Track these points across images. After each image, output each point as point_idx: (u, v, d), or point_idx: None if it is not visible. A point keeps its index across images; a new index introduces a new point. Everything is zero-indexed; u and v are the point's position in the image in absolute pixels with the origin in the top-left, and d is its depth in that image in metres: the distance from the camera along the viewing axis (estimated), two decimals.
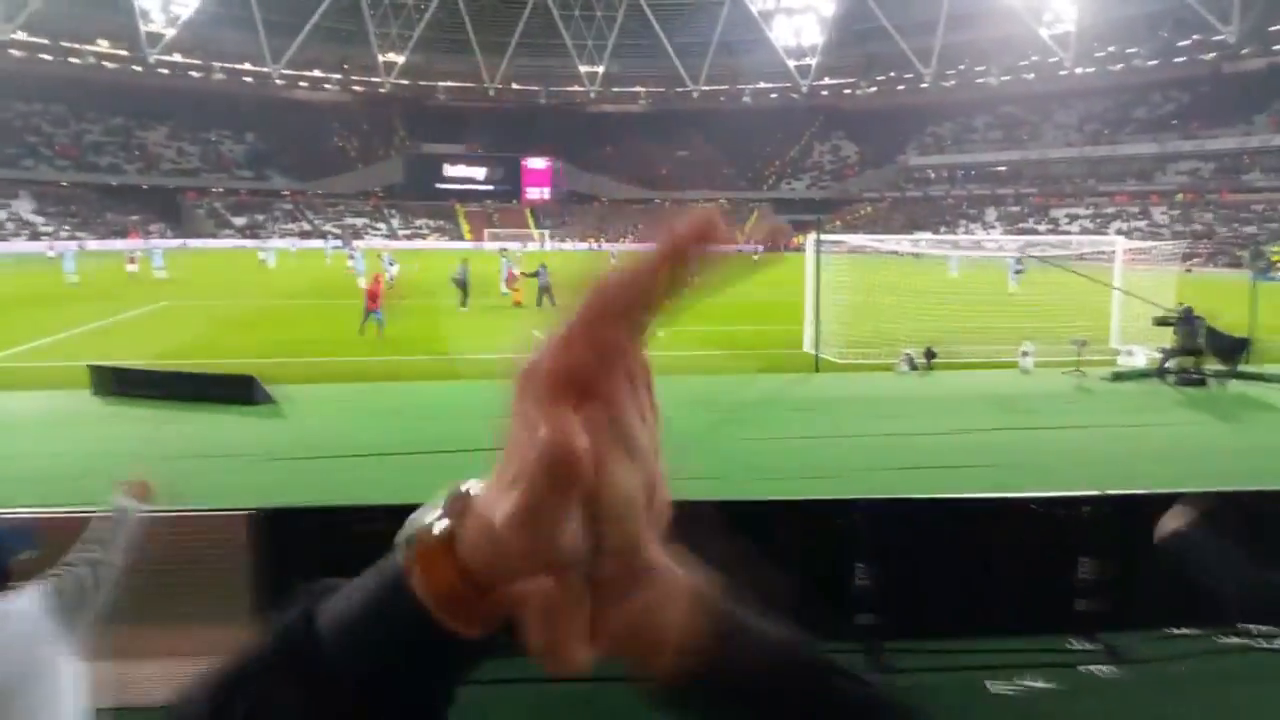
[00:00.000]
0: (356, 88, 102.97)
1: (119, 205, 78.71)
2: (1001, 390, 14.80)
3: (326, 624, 0.57)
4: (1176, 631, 6.35)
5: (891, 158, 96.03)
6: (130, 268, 35.46)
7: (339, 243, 75.46)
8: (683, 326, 22.87)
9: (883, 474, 9.29)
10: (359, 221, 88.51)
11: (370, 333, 20.91)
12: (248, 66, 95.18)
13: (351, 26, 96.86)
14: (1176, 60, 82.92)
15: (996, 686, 5.53)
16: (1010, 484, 7.90)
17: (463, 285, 27.60)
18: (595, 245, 59.66)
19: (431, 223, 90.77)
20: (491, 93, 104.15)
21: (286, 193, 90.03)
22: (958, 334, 18.56)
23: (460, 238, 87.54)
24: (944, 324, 19.45)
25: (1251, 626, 6.84)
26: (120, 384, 13.02)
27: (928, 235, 62.27)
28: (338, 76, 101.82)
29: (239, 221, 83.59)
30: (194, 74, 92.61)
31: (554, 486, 0.49)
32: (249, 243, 73.91)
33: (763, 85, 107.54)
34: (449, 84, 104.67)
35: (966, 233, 75.24)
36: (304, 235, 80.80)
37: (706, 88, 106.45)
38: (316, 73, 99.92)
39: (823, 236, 19.74)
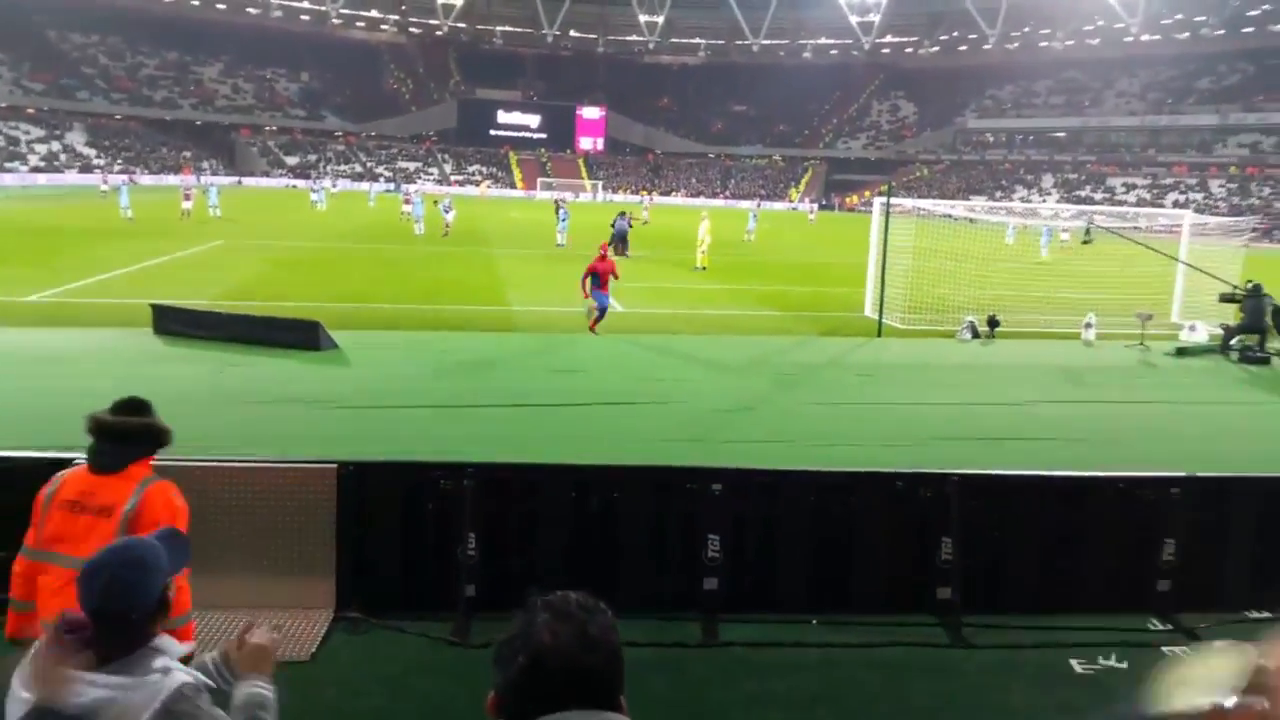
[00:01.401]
0: (413, 29, 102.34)
1: (172, 141, 79.48)
2: (1066, 361, 14.54)
3: None
4: (1254, 615, 6.28)
5: (950, 120, 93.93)
6: (185, 204, 35.81)
7: (390, 185, 75.64)
8: (743, 284, 22.78)
9: (953, 444, 9.17)
10: (411, 165, 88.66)
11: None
12: (305, 4, 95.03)
13: None
14: (1245, 30, 79.77)
15: (1079, 666, 5.51)
16: (1087, 459, 7.77)
17: (622, 237, 29.01)
18: (647, 199, 59.23)
19: (484, 169, 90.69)
20: (549, 39, 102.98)
21: (340, 134, 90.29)
22: (1019, 302, 18.24)
23: (513, 185, 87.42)
24: (1004, 291, 19.13)
25: None
26: (182, 324, 13.09)
27: (983, 200, 61.07)
28: (395, 17, 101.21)
29: (292, 161, 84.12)
30: (251, 10, 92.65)
31: None
32: (300, 182, 74.42)
33: (824, 41, 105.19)
34: (506, 29, 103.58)
35: (1023, 199, 73.66)
36: (356, 177, 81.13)
37: (767, 41, 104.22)
38: (374, 13, 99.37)
39: (895, 201, 19.40)
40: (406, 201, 39.18)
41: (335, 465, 5.73)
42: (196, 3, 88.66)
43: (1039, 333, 17.12)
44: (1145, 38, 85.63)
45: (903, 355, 14.70)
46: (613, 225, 29.60)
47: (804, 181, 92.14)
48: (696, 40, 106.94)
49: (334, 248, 27.94)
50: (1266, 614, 6.30)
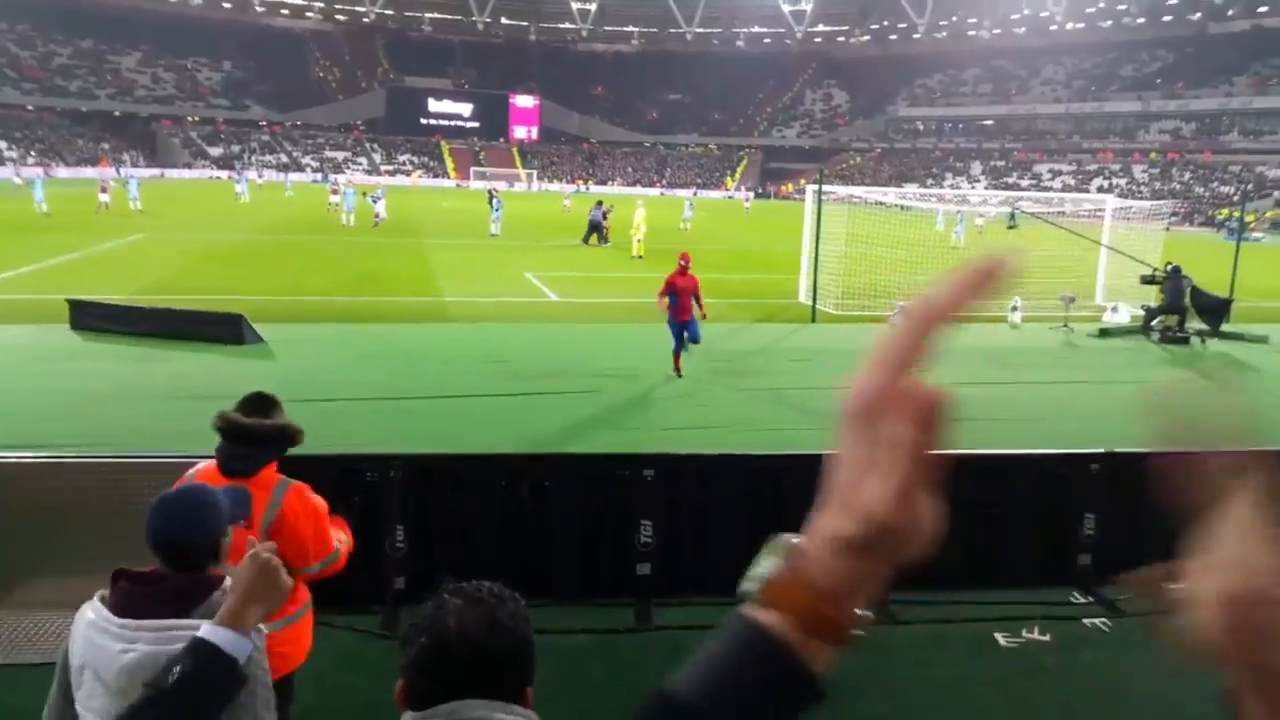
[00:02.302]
0: (339, 16, 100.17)
1: (90, 132, 76.77)
2: (994, 344, 14.89)
3: (695, 698, 0.63)
4: (1172, 586, 6.48)
5: (881, 108, 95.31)
6: (102, 197, 34.53)
7: (318, 175, 74.12)
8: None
9: None
10: (339, 155, 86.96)
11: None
12: None
13: None
14: (1164, 19, 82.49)
15: (1004, 639, 5.63)
16: (1012, 438, 7.96)
17: (597, 227, 29.09)
18: (583, 188, 59.00)
19: (415, 159, 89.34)
20: (480, 26, 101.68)
21: (264, 124, 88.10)
22: None
23: (446, 175, 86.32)
24: (935, 277, 19.44)
25: None
26: (101, 319, 12.72)
27: (915, 187, 62.13)
28: (320, 4, 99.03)
29: (215, 152, 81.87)
30: None
31: (928, 431, 0.61)
32: (224, 174, 72.52)
33: (757, 29, 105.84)
34: (435, 15, 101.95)
35: (953, 186, 75.10)
36: (282, 168, 79.28)
37: (700, 30, 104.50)
38: (298, 0, 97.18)
39: (828, 188, 19.59)
40: (334, 192, 38.37)
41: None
42: None
43: (968, 316, 17.42)
44: (1070, 26, 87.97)
45: (836, 340, 14.89)
46: (590, 216, 29.60)
47: (740, 170, 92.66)
48: (630, 28, 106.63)
49: (259, 240, 27.25)
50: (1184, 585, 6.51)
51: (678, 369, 11.36)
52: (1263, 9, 76.45)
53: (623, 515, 5.65)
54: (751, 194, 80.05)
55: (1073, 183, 72.24)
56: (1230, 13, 77.49)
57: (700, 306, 11.67)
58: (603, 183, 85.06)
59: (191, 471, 3.41)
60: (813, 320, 16.28)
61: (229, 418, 3.37)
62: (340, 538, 3.55)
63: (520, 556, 5.61)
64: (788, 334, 15.20)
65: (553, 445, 7.69)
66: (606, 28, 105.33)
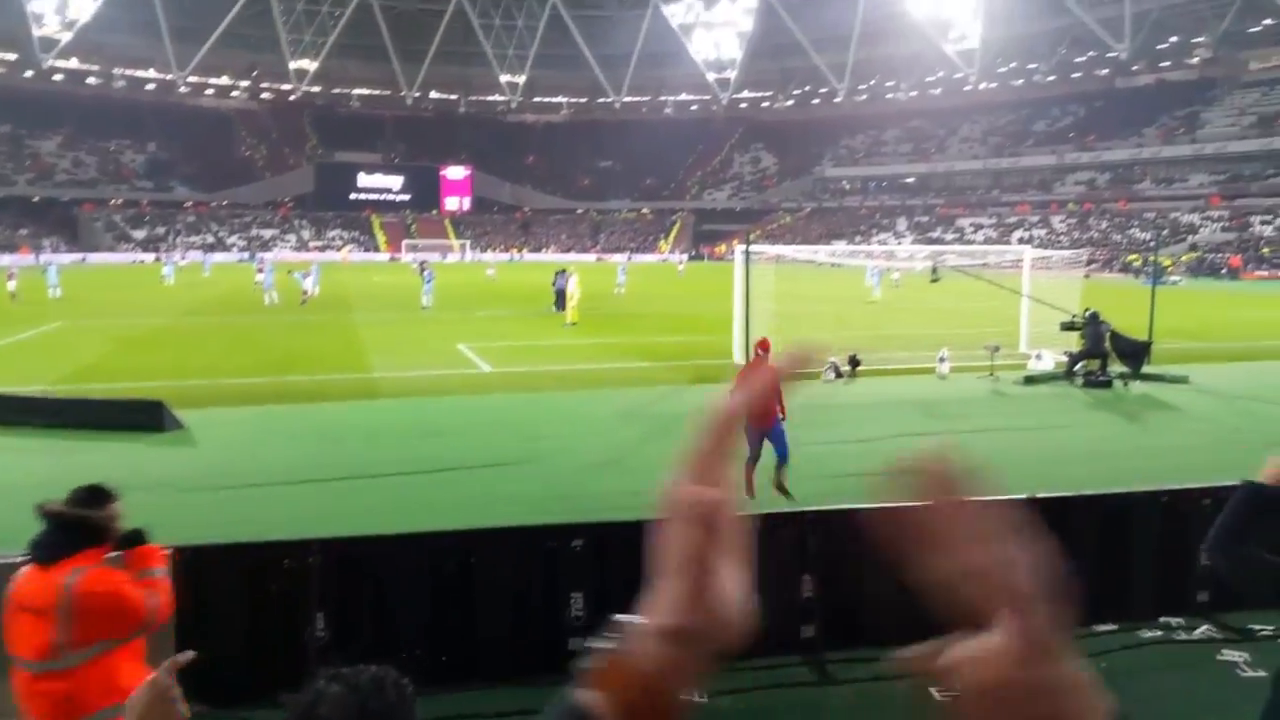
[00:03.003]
0: (265, 95, 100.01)
1: (7, 219, 74.96)
2: (923, 395, 15.14)
3: None
4: (1100, 629, 6.54)
5: (808, 169, 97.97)
6: (10, 285, 33.41)
7: (244, 254, 73.16)
8: (614, 338, 22.90)
9: (816, 483, 9.36)
10: (267, 233, 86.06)
11: None
12: (151, 73, 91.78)
13: (261, 32, 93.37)
14: (1073, 76, 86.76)
15: (940, 693, 5.59)
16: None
17: (561, 293, 28.98)
18: (517, 256, 59.20)
19: (345, 233, 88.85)
20: (408, 101, 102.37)
21: (190, 204, 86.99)
22: (879, 341, 18.93)
23: (377, 249, 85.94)
24: (865, 331, 19.83)
25: (1170, 619, 7.11)
26: (15, 411, 12.29)
27: (844, 244, 63.58)
28: (246, 83, 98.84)
29: (139, 235, 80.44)
30: (92, 80, 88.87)
31: (705, 532, 0.63)
32: (148, 256, 71.26)
33: (684, 97, 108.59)
34: (364, 91, 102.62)
35: (881, 242, 77.06)
36: (208, 248, 78.11)
37: (629, 98, 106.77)
38: (223, 79, 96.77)
39: (755, 248, 19.93)
40: (260, 270, 37.72)
41: (169, 552, 5.38)
42: (30, 74, 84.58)
43: (898, 369, 17.76)
44: (983, 86, 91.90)
45: None
46: (554, 285, 29.64)
47: (673, 233, 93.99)
48: (559, 99, 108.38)
49: (181, 323, 26.65)
50: (1110, 626, 6.57)
51: (750, 488, 8.79)
52: (1165, 64, 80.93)
53: (552, 589, 5.54)
54: (686, 256, 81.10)
55: (994, 235, 74.63)
56: (1135, 68, 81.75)
57: (782, 408, 9.13)
58: (537, 250, 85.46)
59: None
60: None
61: (43, 505, 3.34)
62: (151, 596, 3.37)
63: (446, 637, 5.45)
64: (723, 395, 15.26)
65: (482, 519, 7.55)
66: (536, 99, 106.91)
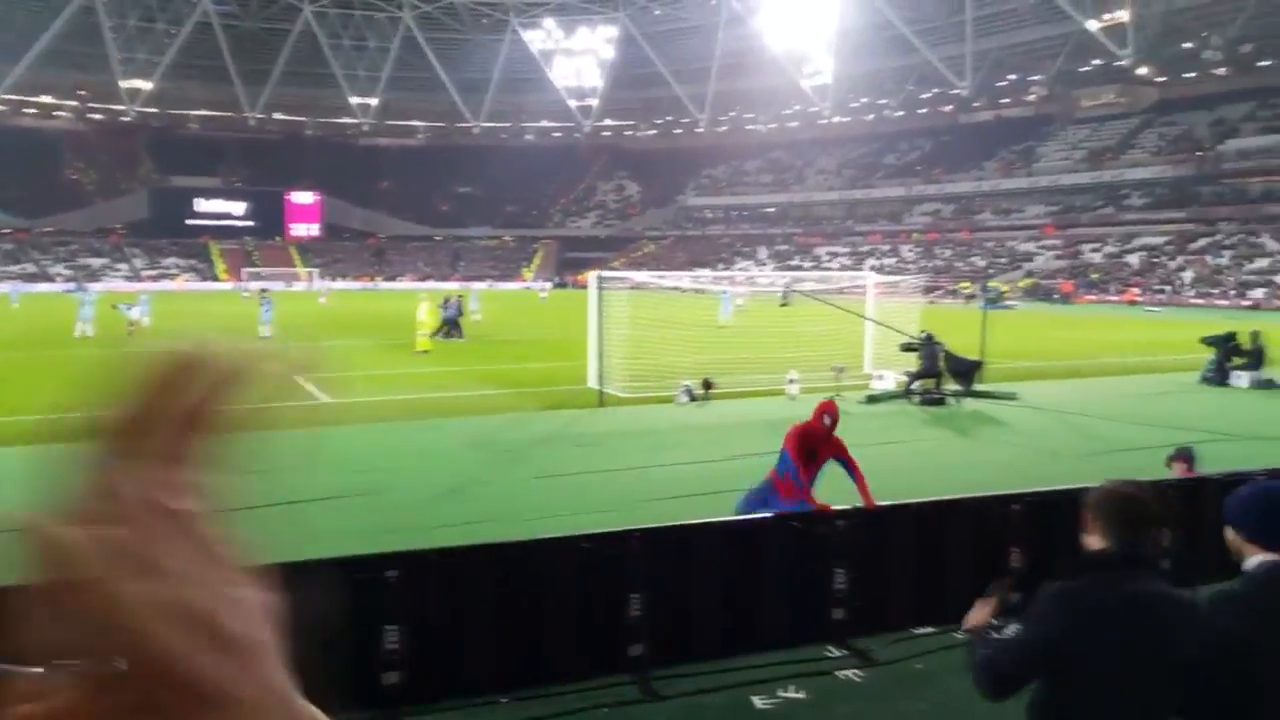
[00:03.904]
0: (95, 115, 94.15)
1: None
2: (771, 416, 15.50)
3: None
4: (918, 631, 6.84)
5: (672, 198, 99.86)
6: None
7: (71, 285, 68.51)
8: (467, 365, 22.59)
9: (662, 504, 9.47)
10: (96, 262, 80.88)
11: None
12: None
13: (90, 50, 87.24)
14: (920, 111, 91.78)
15: (760, 701, 5.73)
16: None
17: (453, 321, 28.98)
18: (371, 284, 57.86)
19: (182, 261, 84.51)
20: (251, 123, 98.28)
21: (9, 230, 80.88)
22: (732, 365, 19.36)
23: (215, 278, 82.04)
24: (719, 355, 20.24)
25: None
26: None
27: (708, 271, 64.93)
28: (72, 104, 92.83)
29: None
30: None
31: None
32: None
33: (545, 124, 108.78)
34: (204, 113, 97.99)
35: (743, 270, 79.09)
36: (29, 278, 72.46)
37: (488, 124, 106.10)
38: (47, 99, 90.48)
39: (607, 274, 20.15)
40: (82, 304, 34.93)
41: None
42: None
43: (749, 391, 18.19)
44: (837, 120, 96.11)
45: (624, 423, 15.13)
46: (443, 308, 29.22)
47: (536, 261, 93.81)
48: (415, 122, 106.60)
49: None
50: (930, 628, 6.87)
51: None
52: (1004, 100, 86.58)
53: (365, 624, 5.39)
54: (549, 284, 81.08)
55: (849, 263, 77.77)
56: (976, 104, 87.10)
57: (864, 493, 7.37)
58: (391, 279, 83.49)
59: None
60: (600, 404, 16.48)
61: None
62: None
63: None
64: (576, 420, 15.29)
65: (310, 556, 7.29)
66: (390, 122, 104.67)
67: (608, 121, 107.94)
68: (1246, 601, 2.71)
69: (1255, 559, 2.76)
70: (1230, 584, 2.79)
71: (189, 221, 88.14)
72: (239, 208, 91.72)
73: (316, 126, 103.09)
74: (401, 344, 26.61)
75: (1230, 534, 2.87)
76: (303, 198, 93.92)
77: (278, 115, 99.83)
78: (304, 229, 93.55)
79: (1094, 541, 2.78)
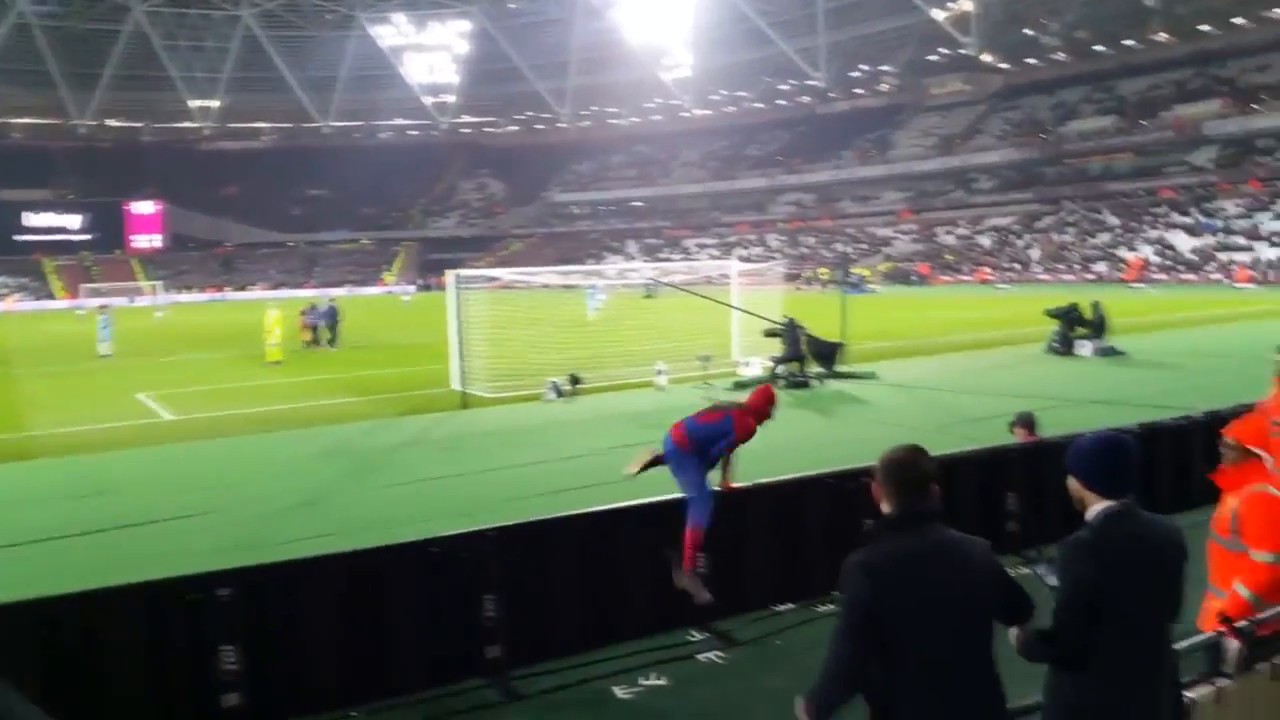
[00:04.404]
0: None
1: None
2: (639, 408, 15.56)
3: None
4: (779, 608, 6.90)
5: (537, 194, 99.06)
6: None
7: None
8: (321, 374, 21.77)
9: (525, 502, 9.29)
10: None
11: None
12: None
13: None
14: (779, 103, 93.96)
15: (621, 691, 5.65)
16: (652, 492, 8.12)
17: (331, 327, 28.56)
18: (220, 294, 55.39)
19: (11, 280, 78.70)
20: (82, 130, 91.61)
21: None
22: (600, 359, 19.31)
23: (51, 296, 76.81)
24: (587, 351, 20.15)
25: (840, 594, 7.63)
26: None
27: (577, 267, 64.77)
28: None
29: None
30: None
31: None
32: None
33: (400, 122, 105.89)
34: (27, 121, 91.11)
35: (611, 264, 79.25)
36: None
37: (338, 124, 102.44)
38: None
39: (466, 272, 19.76)
40: None
41: None
42: None
43: (618, 385, 18.17)
44: (699, 113, 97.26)
45: (488, 423, 14.86)
46: (303, 314, 28.79)
47: (397, 264, 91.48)
48: (260, 124, 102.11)
49: None
50: (789, 605, 6.94)
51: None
52: (858, 90, 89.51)
53: (199, 644, 5.04)
54: (413, 287, 79.24)
55: (717, 254, 78.96)
56: (832, 95, 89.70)
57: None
58: (241, 288, 79.86)
59: None
60: (464, 406, 16.13)
61: None
62: None
63: (71, 713, 4.80)
64: (438, 423, 14.92)
65: (145, 577, 6.80)
66: (232, 125, 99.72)
67: (466, 118, 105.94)
68: (1094, 546, 2.86)
69: (1097, 507, 2.93)
70: (1079, 533, 2.92)
71: (17, 237, 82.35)
72: (74, 220, 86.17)
73: (154, 132, 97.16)
74: (252, 355, 25.48)
75: (1073, 483, 3.04)
76: (143, 208, 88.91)
77: (111, 122, 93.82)
78: (146, 240, 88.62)
79: (886, 507, 2.88)
